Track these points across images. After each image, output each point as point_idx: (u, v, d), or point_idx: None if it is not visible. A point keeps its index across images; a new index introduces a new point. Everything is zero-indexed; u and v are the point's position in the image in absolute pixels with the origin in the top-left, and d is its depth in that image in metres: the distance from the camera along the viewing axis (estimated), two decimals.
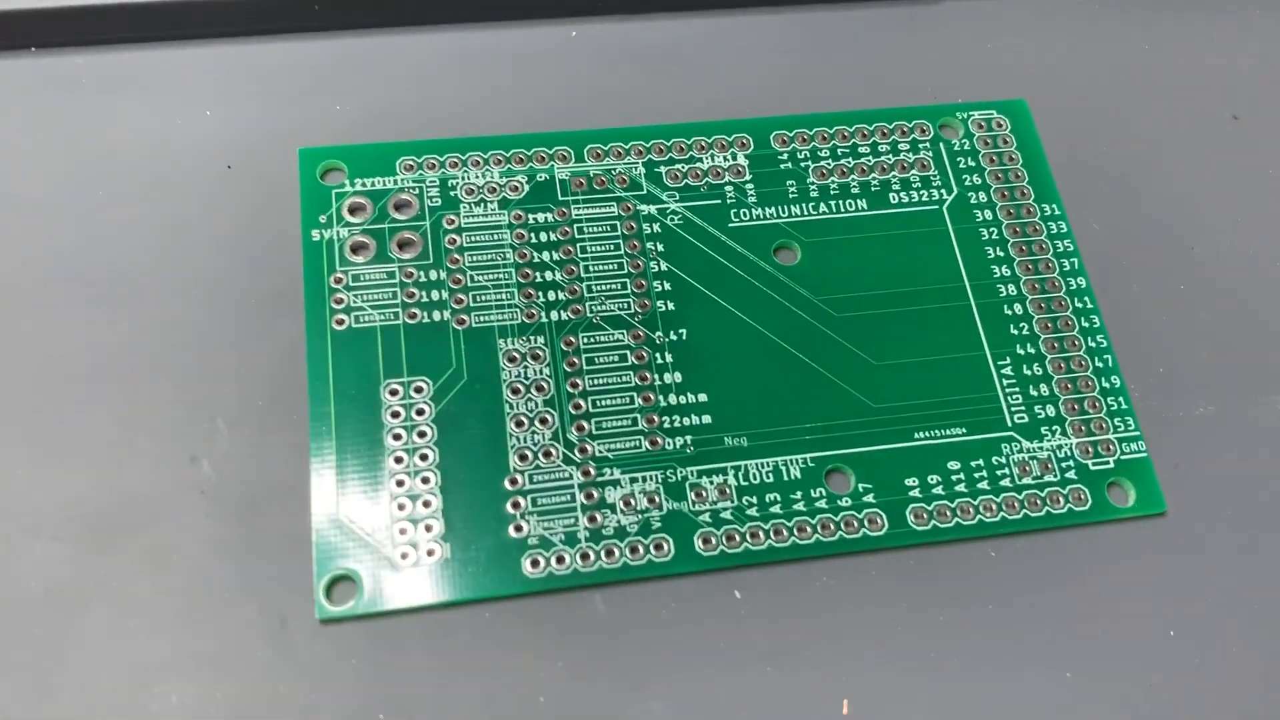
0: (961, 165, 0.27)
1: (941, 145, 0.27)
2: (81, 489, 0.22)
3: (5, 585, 0.21)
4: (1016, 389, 0.24)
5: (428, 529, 0.22)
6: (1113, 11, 0.30)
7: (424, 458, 0.23)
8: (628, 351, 0.24)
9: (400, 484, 0.22)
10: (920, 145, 0.27)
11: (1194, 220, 0.27)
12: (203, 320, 0.24)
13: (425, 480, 0.22)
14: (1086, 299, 0.25)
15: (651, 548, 0.22)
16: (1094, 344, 0.25)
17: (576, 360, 0.24)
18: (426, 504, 0.22)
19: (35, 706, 0.21)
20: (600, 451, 0.23)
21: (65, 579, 0.21)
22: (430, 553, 0.22)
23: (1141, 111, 0.29)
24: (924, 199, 0.26)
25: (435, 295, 0.24)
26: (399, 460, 0.22)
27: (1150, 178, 0.28)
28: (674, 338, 0.24)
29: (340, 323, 0.24)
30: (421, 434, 0.23)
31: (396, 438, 0.23)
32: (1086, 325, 0.25)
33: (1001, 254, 0.26)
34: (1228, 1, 0.30)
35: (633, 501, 0.22)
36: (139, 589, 0.21)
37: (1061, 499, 0.23)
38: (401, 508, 0.22)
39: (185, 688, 0.21)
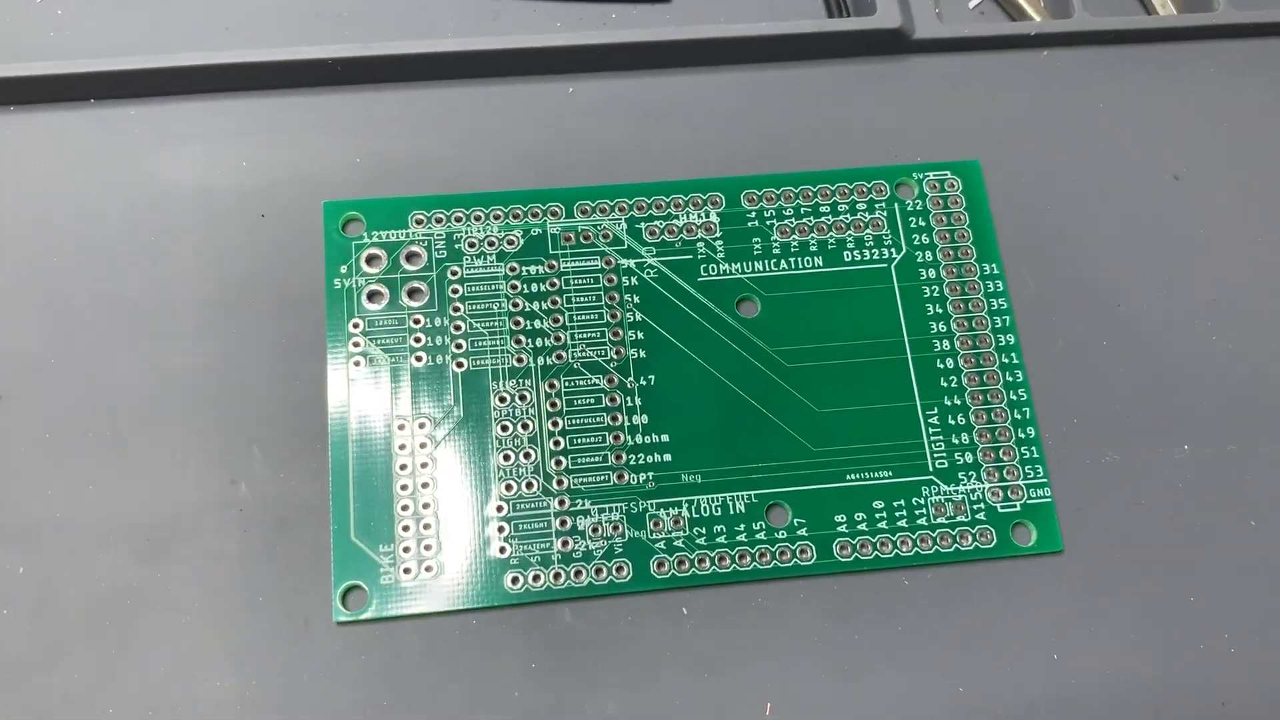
0: (913, 225, 0.30)
1: (896, 205, 0.30)
2: (139, 506, 0.26)
3: (77, 586, 0.26)
4: (940, 436, 0.28)
5: (426, 548, 0.26)
6: (1069, 73, 0.32)
7: (425, 486, 0.27)
8: (603, 395, 0.28)
9: (405, 508, 0.26)
10: (876, 205, 0.30)
11: (1124, 278, 0.30)
12: (241, 358, 0.28)
13: (426, 506, 0.26)
14: (1013, 354, 0.29)
15: (613, 569, 0.26)
16: (1015, 397, 0.28)
17: (558, 402, 0.27)
18: (426, 526, 0.26)
19: (101, 689, 0.25)
20: (574, 484, 0.27)
21: (126, 582, 0.26)
22: (428, 569, 0.26)
23: (1088, 171, 0.31)
24: (875, 257, 0.29)
25: (439, 340, 0.28)
26: (404, 487, 0.26)
27: (1089, 235, 0.30)
28: (643, 383, 0.28)
29: (357, 364, 0.27)
30: (424, 465, 0.27)
31: (403, 467, 0.27)
32: (1010, 379, 0.28)
33: (940, 310, 0.29)
34: (1178, 65, 0.32)
35: (599, 529, 0.26)
36: (186, 592, 0.26)
37: (970, 537, 0.27)
38: (406, 529, 0.26)
39: (224, 676, 0.25)
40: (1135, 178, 0.31)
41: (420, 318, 0.28)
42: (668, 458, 0.27)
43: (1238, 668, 0.27)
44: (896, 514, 0.27)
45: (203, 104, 0.30)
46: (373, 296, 0.28)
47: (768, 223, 0.29)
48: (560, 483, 0.27)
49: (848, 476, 0.27)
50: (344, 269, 0.28)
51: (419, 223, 0.29)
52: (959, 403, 0.28)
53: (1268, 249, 0.30)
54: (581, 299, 0.28)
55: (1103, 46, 0.32)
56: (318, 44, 0.30)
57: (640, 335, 0.28)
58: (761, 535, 0.27)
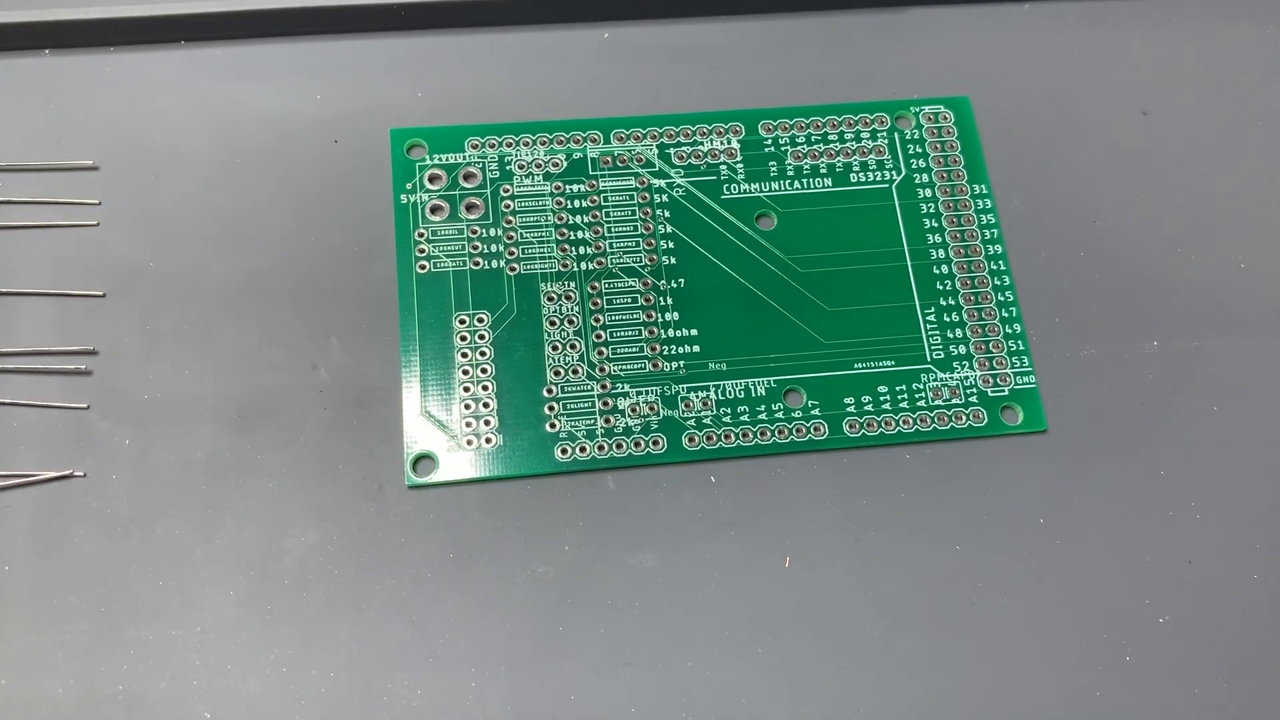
0: (910, 152, 0.33)
1: (895, 134, 0.33)
2: (232, 386, 0.30)
3: (178, 455, 0.29)
4: (937, 332, 0.31)
5: (486, 423, 0.30)
6: (1050, 21, 0.36)
7: (484, 371, 0.30)
8: (638, 295, 0.31)
9: (466, 390, 0.30)
10: (878, 134, 0.33)
11: (1100, 199, 0.34)
12: (319, 262, 0.31)
13: (485, 388, 0.30)
14: (1001, 262, 0.32)
15: (650, 443, 0.30)
16: (1003, 298, 0.32)
17: (599, 301, 0.31)
18: (486, 405, 0.30)
19: (199, 542, 0.28)
20: (615, 371, 0.30)
21: (222, 451, 0.29)
22: (488, 440, 0.29)
23: (1067, 106, 0.35)
24: (877, 179, 0.33)
25: (494, 248, 0.31)
26: (465, 373, 0.30)
27: (1067, 163, 0.34)
28: (674, 285, 0.31)
29: (423, 267, 0.31)
30: (482, 354, 0.30)
31: (464, 355, 0.30)
32: (998, 284, 0.32)
33: (936, 225, 0.32)
34: (1148, 14, 0.36)
35: (638, 409, 0.30)
36: (275, 461, 0.29)
37: (964, 417, 0.30)
38: (467, 407, 0.30)
39: (310, 532, 0.29)
40: (1108, 113, 0.35)
41: (477, 228, 0.31)
42: (696, 349, 0.31)
43: (1202, 532, 0.30)
44: (899, 397, 0.30)
45: (281, 45, 0.34)
46: (435, 210, 0.32)
47: (782, 149, 0.33)
48: (602, 369, 0.30)
49: (855, 365, 0.31)
50: (409, 186, 0.32)
51: (474, 147, 0.32)
52: (953, 303, 0.32)
53: (1222, 171, 0.34)
54: (619, 214, 0.32)
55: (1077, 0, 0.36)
56: None
57: (671, 245, 0.32)
58: (780, 415, 0.30)
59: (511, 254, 0.31)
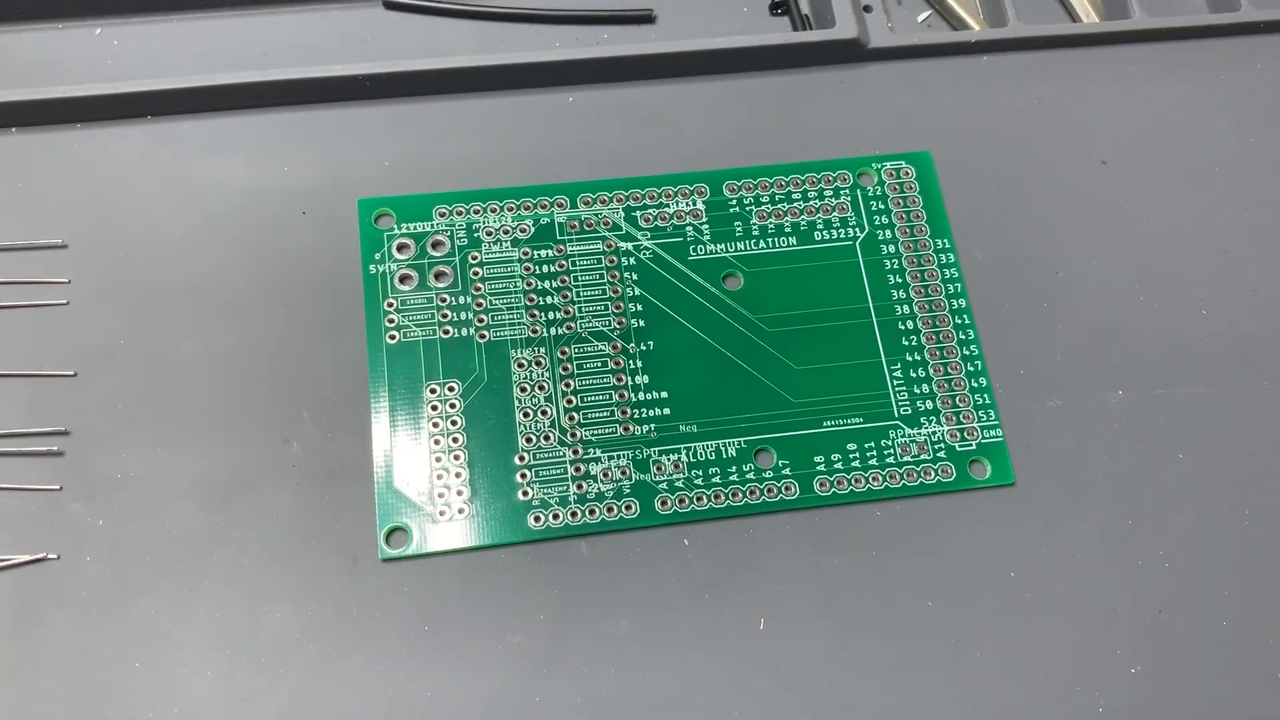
0: (873, 208, 0.34)
1: (858, 191, 0.34)
2: (205, 463, 0.30)
3: (152, 534, 0.29)
4: (903, 387, 0.32)
5: (459, 493, 0.30)
6: (1008, 73, 0.36)
7: (455, 440, 0.30)
8: (608, 359, 0.31)
9: (438, 460, 0.30)
10: (841, 191, 0.34)
11: (1062, 249, 0.34)
12: (290, 334, 0.31)
13: (456, 458, 0.30)
14: (965, 316, 0.33)
15: (623, 508, 0.30)
16: (968, 352, 0.32)
17: (569, 366, 0.31)
18: (458, 475, 0.30)
19: (175, 622, 0.28)
20: (586, 436, 0.31)
21: (196, 529, 0.29)
22: (461, 510, 0.30)
23: (1027, 157, 0.35)
24: (841, 236, 0.33)
25: (463, 316, 0.32)
26: (437, 442, 0.30)
27: (1029, 214, 0.34)
28: (643, 348, 0.32)
29: (392, 338, 0.31)
30: (454, 423, 0.30)
31: (435, 425, 0.30)
32: (963, 337, 0.32)
33: (900, 280, 0.33)
34: (1101, 66, 0.37)
35: (610, 473, 0.30)
36: (249, 537, 0.29)
37: (933, 472, 0.31)
38: (439, 477, 0.30)
39: (286, 608, 0.29)
40: (1067, 162, 0.35)
41: (446, 297, 0.32)
42: (667, 411, 0.31)
43: (1171, 579, 0.30)
44: (868, 454, 0.31)
45: (248, 117, 0.34)
46: (404, 279, 0.32)
47: (747, 209, 0.33)
48: (574, 435, 0.30)
49: (824, 423, 0.31)
50: (377, 256, 0.32)
51: (442, 215, 0.33)
52: (919, 358, 0.32)
53: (1182, 220, 0.35)
54: (587, 277, 0.32)
55: (1035, 51, 0.37)
56: (348, 64, 0.34)
57: (639, 307, 0.32)
58: (751, 475, 0.30)
59: (481, 321, 0.32)
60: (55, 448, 0.30)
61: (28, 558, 0.29)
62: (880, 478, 0.31)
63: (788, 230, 0.33)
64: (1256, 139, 0.36)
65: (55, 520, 0.29)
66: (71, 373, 0.31)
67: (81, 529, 0.29)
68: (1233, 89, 0.37)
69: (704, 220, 0.33)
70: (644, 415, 0.31)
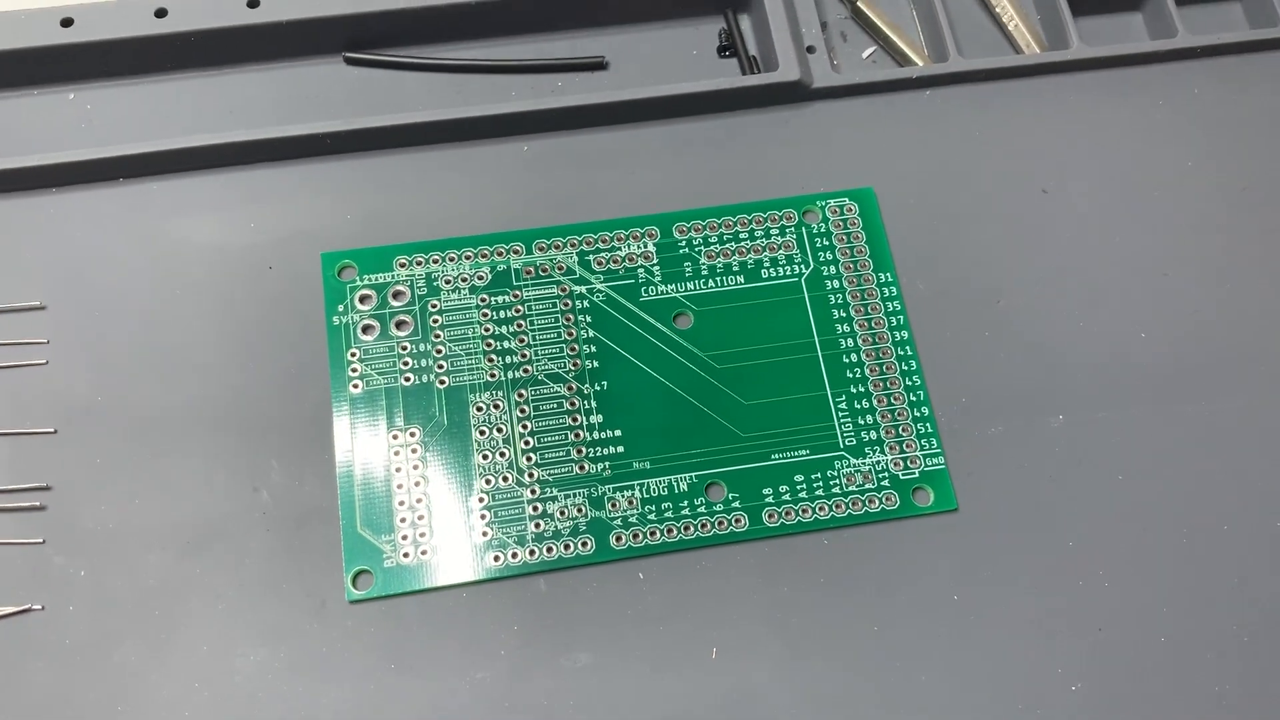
0: (818, 244, 0.35)
1: (803, 229, 0.35)
2: (180, 513, 0.31)
3: (131, 583, 0.31)
4: (848, 418, 0.33)
5: (421, 535, 0.31)
6: (948, 105, 0.37)
7: (417, 484, 0.32)
8: (563, 400, 0.33)
9: (401, 503, 0.31)
10: (786, 230, 0.35)
11: (1002, 278, 0.35)
12: (258, 386, 0.33)
13: (419, 500, 0.31)
14: (908, 347, 0.34)
15: (579, 544, 0.31)
16: (910, 382, 0.33)
17: (526, 408, 0.33)
18: (420, 517, 0.31)
19: (154, 667, 0.30)
20: (543, 475, 0.32)
21: (173, 577, 0.31)
22: (423, 552, 0.31)
23: (968, 188, 0.36)
24: (787, 273, 0.34)
25: (424, 363, 0.33)
26: (400, 486, 0.31)
27: (970, 244, 0.36)
28: (598, 388, 0.33)
29: (355, 386, 0.33)
30: (415, 467, 0.32)
31: (398, 470, 0.32)
32: (906, 368, 0.33)
33: (844, 315, 0.34)
34: (1042, 95, 0.38)
35: (566, 511, 0.31)
36: (223, 583, 0.31)
37: (877, 501, 0.32)
38: (403, 520, 0.31)
39: (256, 650, 0.30)
40: (1009, 192, 0.36)
41: (407, 344, 0.33)
42: (621, 449, 0.32)
43: (1111, 599, 0.31)
44: (814, 485, 0.32)
45: (214, 176, 0.35)
46: (366, 329, 0.33)
47: (696, 249, 0.35)
48: (531, 475, 0.32)
49: (772, 456, 0.32)
50: (341, 308, 0.33)
51: (402, 265, 0.34)
52: (863, 390, 0.33)
53: (1123, 246, 0.36)
54: (542, 321, 0.34)
55: (977, 84, 0.38)
56: (309, 122, 0.35)
57: (593, 349, 0.33)
58: (702, 509, 0.32)
59: (441, 368, 0.33)
60: (38, 503, 0.31)
61: (14, 609, 0.30)
62: (827, 507, 0.32)
63: (735, 269, 0.34)
64: (1194, 162, 0.37)
65: (39, 572, 0.31)
66: (52, 429, 0.32)
67: (64, 580, 0.31)
68: (1170, 114, 0.38)
69: (655, 262, 0.34)
70: (599, 454, 0.32)
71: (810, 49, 0.37)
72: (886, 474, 0.32)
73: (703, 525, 0.31)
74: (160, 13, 0.36)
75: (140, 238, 0.34)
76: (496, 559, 0.31)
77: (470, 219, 0.35)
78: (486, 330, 0.33)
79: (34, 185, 0.35)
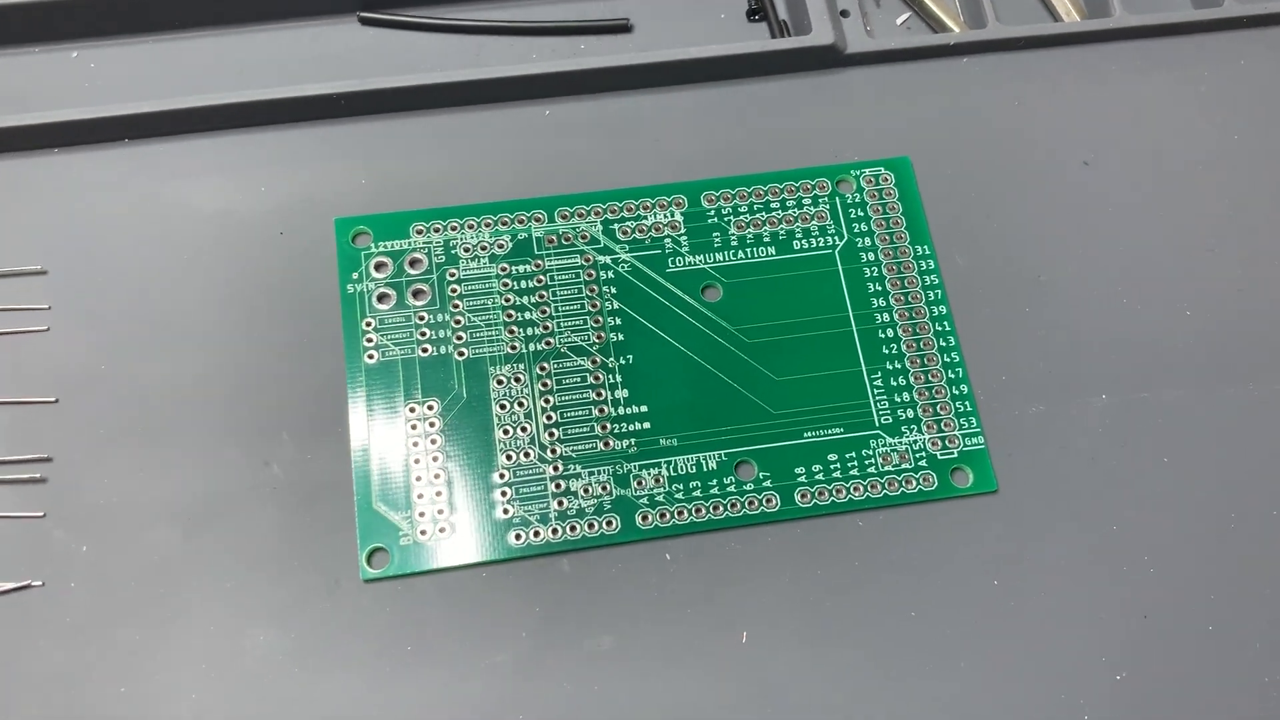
0: (852, 215, 0.34)
1: (837, 199, 0.34)
2: (187, 487, 0.30)
3: (132, 560, 0.29)
4: (884, 396, 0.31)
5: (439, 512, 0.30)
6: (987, 75, 0.36)
7: (435, 459, 0.30)
8: (587, 374, 0.31)
9: (418, 479, 0.30)
10: (820, 199, 0.34)
11: (1043, 252, 0.34)
12: (269, 356, 0.31)
13: (436, 476, 0.30)
14: (946, 323, 0.32)
15: (604, 523, 0.30)
16: (949, 359, 0.32)
17: (549, 382, 0.31)
18: (438, 494, 0.30)
19: (159, 647, 0.29)
20: (566, 452, 0.31)
21: (178, 553, 0.29)
22: (441, 530, 0.30)
23: (1007, 159, 0.35)
24: (820, 245, 0.33)
25: (441, 333, 0.32)
26: (417, 461, 0.30)
27: (1010, 217, 0.34)
28: (623, 362, 0.32)
29: (371, 357, 0.31)
30: (433, 441, 0.30)
31: (415, 445, 0.30)
32: (944, 344, 0.32)
33: (880, 288, 0.33)
34: (1082, 65, 0.36)
35: (590, 489, 0.30)
36: (231, 560, 0.29)
37: (914, 481, 0.31)
38: (420, 497, 0.30)
39: (268, 629, 0.29)
40: (1049, 164, 0.35)
41: (424, 314, 0.32)
42: (647, 425, 0.31)
43: (1156, 585, 0.30)
44: (849, 464, 0.31)
45: (223, 138, 0.34)
46: (382, 298, 0.32)
47: (725, 219, 0.33)
48: (554, 451, 0.30)
49: (805, 434, 0.31)
50: (355, 276, 0.32)
51: (419, 232, 0.33)
52: (899, 366, 0.32)
53: (1166, 219, 0.34)
54: (565, 292, 0.32)
55: (1015, 52, 0.36)
56: (322, 82, 0.34)
57: (618, 321, 0.32)
58: (731, 488, 0.30)
59: (459, 339, 0.32)
60: (38, 474, 0.30)
61: (12, 585, 0.29)
62: (862, 488, 0.30)
63: (766, 240, 0.33)
64: (1241, 136, 0.36)
65: (39, 547, 0.29)
66: (53, 399, 0.31)
67: (65, 555, 0.29)
68: (1216, 86, 0.36)
69: (682, 232, 0.33)
70: (624, 430, 0.31)
71: (844, 13, 0.36)
72: (924, 454, 0.31)
73: (732, 505, 0.30)
74: None
75: (145, 201, 0.33)
76: (518, 538, 0.30)
77: (490, 185, 0.34)
78: (507, 301, 0.32)
79: (36, 145, 0.33)
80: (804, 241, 0.33)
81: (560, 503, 0.30)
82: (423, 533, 0.30)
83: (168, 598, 0.29)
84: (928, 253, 0.33)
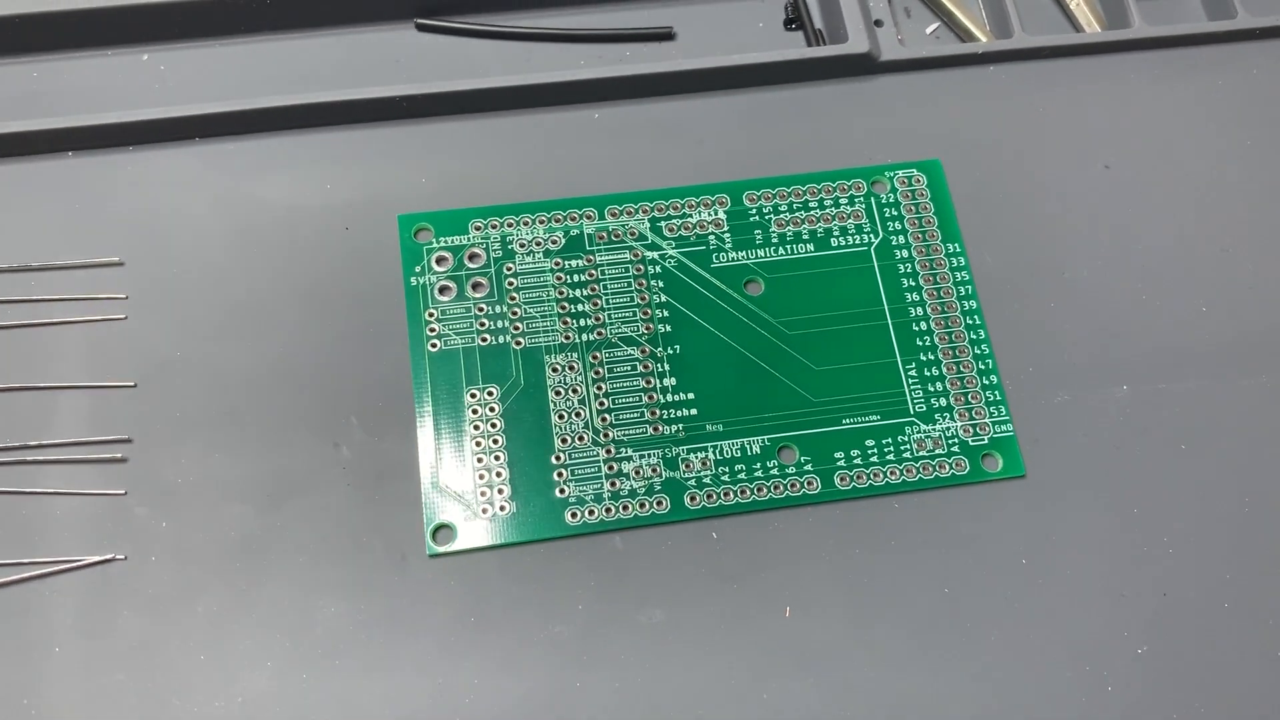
0: (887, 215, 0.35)
1: (872, 199, 0.36)
2: (260, 467, 0.32)
3: (212, 535, 0.31)
4: (918, 386, 0.33)
5: (500, 492, 0.31)
6: (1013, 82, 0.38)
7: (495, 442, 0.32)
8: (637, 363, 0.33)
9: (480, 460, 0.32)
10: (855, 199, 0.36)
11: (1067, 251, 0.36)
12: (337, 344, 0.33)
13: (497, 458, 0.32)
14: (976, 317, 0.34)
15: (654, 503, 0.32)
16: (979, 351, 0.34)
17: (601, 370, 0.33)
18: (499, 474, 0.32)
19: (236, 617, 0.30)
20: (618, 436, 0.32)
21: (253, 530, 0.31)
22: (502, 508, 0.31)
23: (1033, 163, 0.37)
24: (856, 242, 0.35)
25: (499, 324, 0.33)
26: (478, 444, 0.32)
27: (1035, 217, 0.36)
28: (670, 352, 0.33)
29: (434, 346, 0.33)
30: (493, 425, 0.32)
31: (476, 428, 0.32)
32: (974, 337, 0.34)
33: (913, 284, 0.34)
34: (1103, 74, 0.38)
35: (641, 471, 0.32)
36: (302, 537, 0.31)
37: (947, 466, 0.32)
38: (481, 477, 0.32)
39: (338, 602, 0.30)
40: (1072, 167, 0.37)
41: (483, 306, 0.33)
42: (694, 412, 0.33)
43: (1175, 565, 0.32)
44: (885, 450, 0.32)
45: (290, 138, 0.36)
46: (443, 290, 0.34)
47: (766, 217, 0.35)
48: (606, 435, 0.32)
49: (843, 421, 0.33)
50: (418, 269, 0.34)
51: (478, 229, 0.34)
52: (932, 358, 0.34)
53: (1183, 220, 0.36)
54: (615, 285, 0.34)
55: (1040, 60, 0.38)
56: (385, 85, 0.35)
57: (666, 313, 0.34)
58: (774, 471, 0.32)
59: (516, 329, 0.33)
60: (119, 454, 0.32)
61: (97, 558, 0.31)
62: (897, 472, 0.32)
63: (805, 237, 0.35)
64: (1253, 141, 0.38)
65: (121, 523, 0.31)
66: (132, 383, 0.32)
67: (146, 531, 0.31)
68: (1230, 94, 0.38)
69: (725, 229, 0.35)
70: (672, 416, 0.33)
71: (878, 22, 0.38)
72: (956, 440, 0.33)
73: (775, 487, 0.32)
74: None
75: (216, 196, 0.35)
76: (574, 516, 0.31)
77: (542, 185, 0.35)
78: (561, 294, 0.34)
79: (111, 143, 0.35)
80: (841, 239, 0.35)
81: (613, 484, 0.32)
82: (484, 511, 0.31)
83: (244, 571, 0.31)
84: (958, 250, 0.35)
